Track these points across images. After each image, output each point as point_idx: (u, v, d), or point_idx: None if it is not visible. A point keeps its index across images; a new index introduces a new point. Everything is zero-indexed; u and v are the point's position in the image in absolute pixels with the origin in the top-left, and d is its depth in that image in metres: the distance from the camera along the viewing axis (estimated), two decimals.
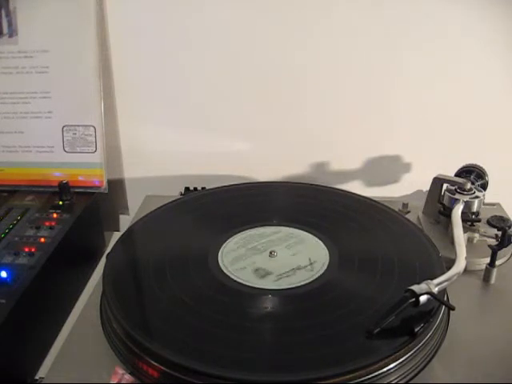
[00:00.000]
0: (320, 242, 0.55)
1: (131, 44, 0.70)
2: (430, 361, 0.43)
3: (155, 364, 0.40)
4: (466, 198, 0.58)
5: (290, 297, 0.47)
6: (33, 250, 0.55)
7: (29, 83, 0.68)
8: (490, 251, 0.53)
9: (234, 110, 0.74)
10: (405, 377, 0.41)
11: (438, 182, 0.61)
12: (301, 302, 0.47)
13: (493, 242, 0.56)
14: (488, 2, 0.65)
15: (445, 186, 0.61)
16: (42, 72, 0.68)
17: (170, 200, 0.65)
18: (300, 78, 0.71)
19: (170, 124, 0.75)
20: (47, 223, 0.60)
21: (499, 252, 0.52)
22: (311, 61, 0.70)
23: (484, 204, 0.59)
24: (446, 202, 0.59)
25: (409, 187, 0.74)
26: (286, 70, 0.71)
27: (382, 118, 0.73)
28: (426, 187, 0.63)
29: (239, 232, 0.57)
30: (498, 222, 0.58)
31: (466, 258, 0.48)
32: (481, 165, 0.63)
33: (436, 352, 0.44)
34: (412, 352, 0.41)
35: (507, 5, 0.64)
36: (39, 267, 0.53)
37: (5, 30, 0.68)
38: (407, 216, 0.62)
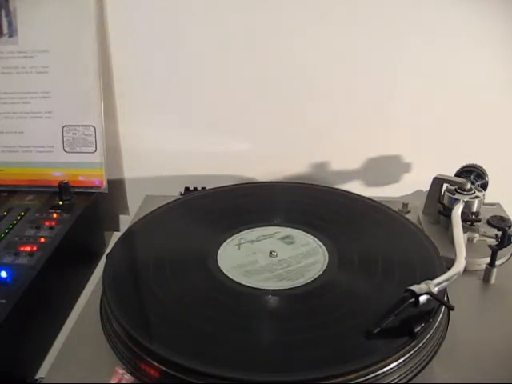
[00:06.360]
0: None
1: (131, 44, 0.70)
2: (430, 361, 0.43)
3: (155, 364, 0.40)
4: (466, 198, 0.58)
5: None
6: (33, 249, 0.55)
7: (29, 83, 0.68)
8: (489, 251, 0.53)
9: (234, 109, 0.74)
10: (405, 377, 0.41)
11: (437, 182, 0.61)
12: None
13: (493, 242, 0.56)
14: (488, 2, 0.65)
15: (445, 186, 0.61)
16: (42, 72, 0.68)
17: (170, 200, 0.65)
18: (300, 78, 0.71)
19: (169, 124, 0.75)
20: (47, 223, 0.60)
21: (499, 252, 0.52)
22: (311, 61, 0.70)
23: (484, 204, 0.59)
24: (445, 202, 0.59)
25: (409, 187, 0.74)
26: (287, 70, 0.71)
27: (382, 118, 0.72)
28: (426, 187, 0.63)
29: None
30: (498, 222, 0.58)
31: (465, 257, 0.48)
32: (481, 165, 0.63)
33: (436, 352, 0.44)
34: (412, 352, 0.41)
35: (507, 5, 0.64)
36: (39, 267, 0.53)
37: (5, 30, 0.68)
38: (407, 216, 0.62)
